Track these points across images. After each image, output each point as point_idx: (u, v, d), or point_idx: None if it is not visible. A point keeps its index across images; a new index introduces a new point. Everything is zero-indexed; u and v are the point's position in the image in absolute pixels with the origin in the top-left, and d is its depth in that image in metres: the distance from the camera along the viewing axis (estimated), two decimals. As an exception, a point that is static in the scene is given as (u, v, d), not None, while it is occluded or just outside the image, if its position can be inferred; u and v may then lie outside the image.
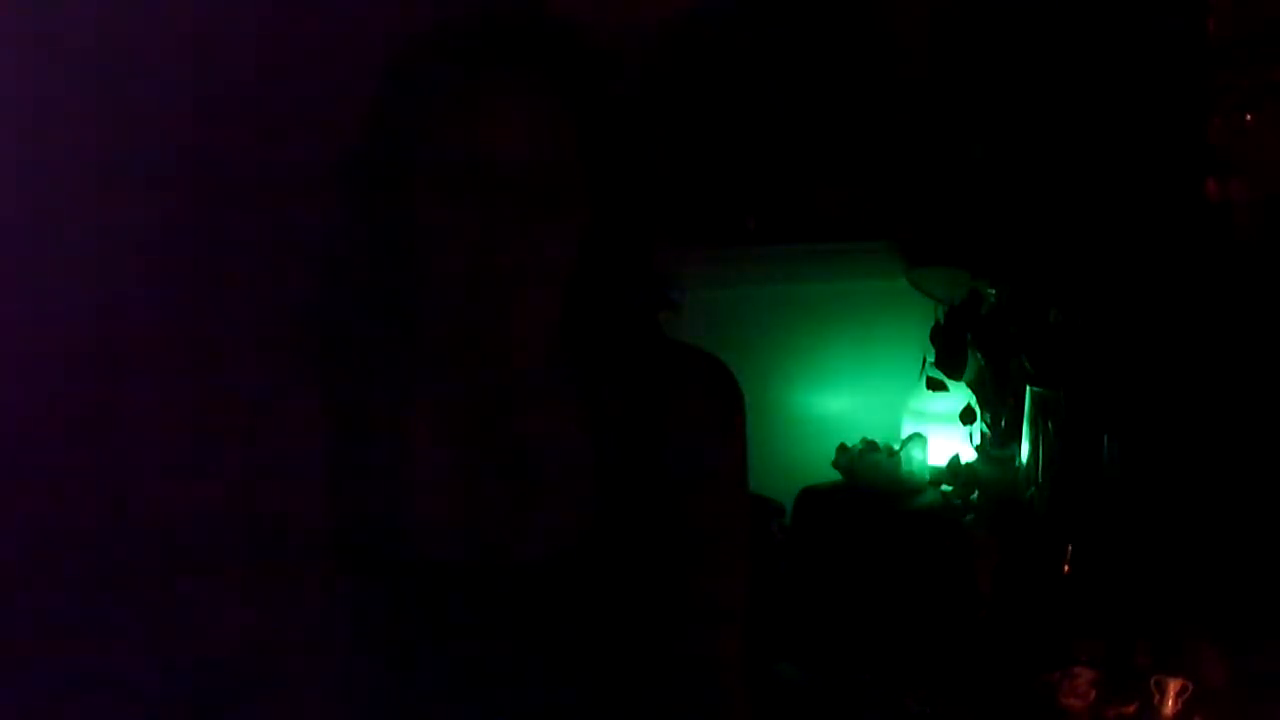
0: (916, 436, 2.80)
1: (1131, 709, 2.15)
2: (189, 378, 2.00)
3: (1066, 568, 2.42)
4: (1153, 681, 2.13)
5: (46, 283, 1.99)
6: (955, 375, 2.83)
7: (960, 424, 2.82)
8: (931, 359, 2.84)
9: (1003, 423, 2.78)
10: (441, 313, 1.42)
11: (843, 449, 2.80)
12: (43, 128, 1.98)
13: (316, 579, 1.46)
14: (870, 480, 2.76)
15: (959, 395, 2.84)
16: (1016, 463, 2.68)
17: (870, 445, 2.80)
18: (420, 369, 1.47)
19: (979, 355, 2.83)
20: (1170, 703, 2.12)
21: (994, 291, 2.82)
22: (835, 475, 2.80)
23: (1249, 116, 2.67)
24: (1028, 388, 2.64)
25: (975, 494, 2.75)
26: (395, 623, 1.45)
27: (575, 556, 1.46)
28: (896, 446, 2.79)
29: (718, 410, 1.52)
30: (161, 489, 2.01)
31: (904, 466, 2.76)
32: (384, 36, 1.46)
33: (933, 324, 2.85)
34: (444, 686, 1.46)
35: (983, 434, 2.81)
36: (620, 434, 1.49)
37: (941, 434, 2.83)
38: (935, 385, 2.83)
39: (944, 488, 2.78)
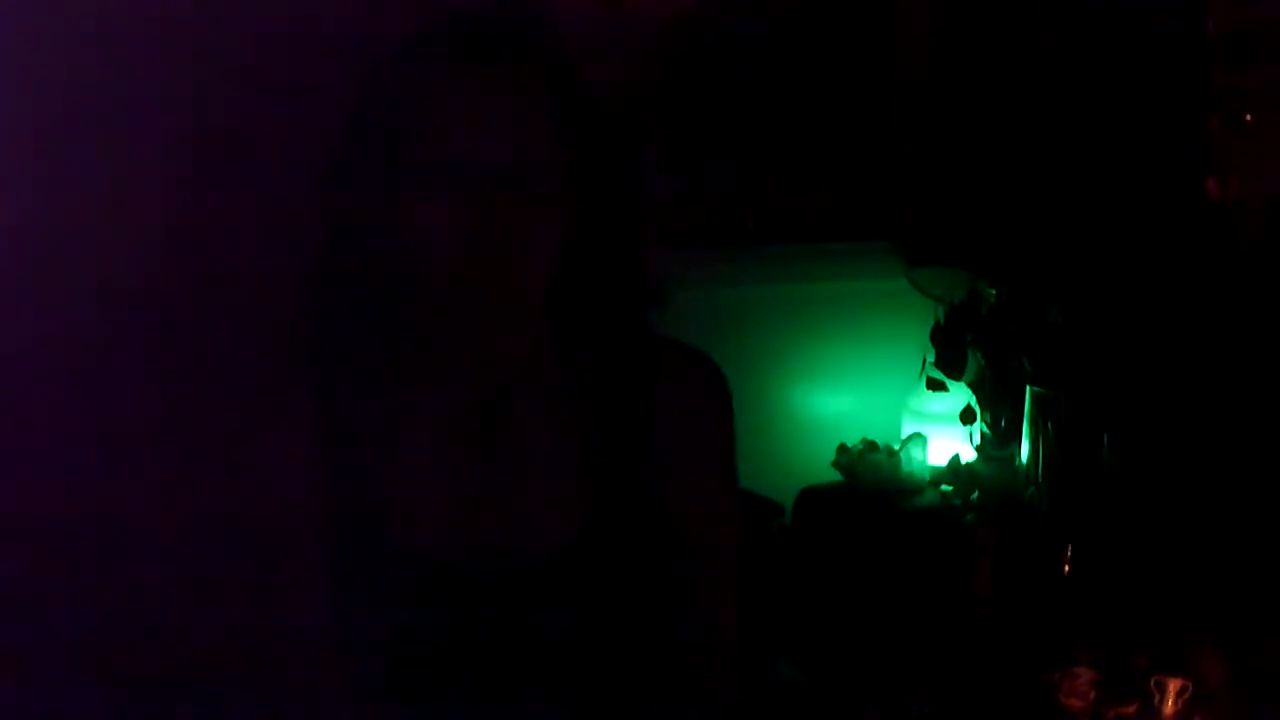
0: (916, 436, 2.80)
1: (1131, 709, 2.14)
2: (185, 379, 2.01)
3: (1066, 568, 2.42)
4: (1153, 681, 2.13)
5: (45, 283, 1.99)
6: (955, 375, 2.83)
7: (960, 424, 2.82)
8: (931, 359, 2.84)
9: (1003, 423, 2.78)
10: (432, 312, 1.42)
11: (843, 449, 2.80)
12: (43, 131, 1.98)
13: (313, 579, 1.46)
14: (870, 480, 2.76)
15: (959, 395, 2.84)
16: (1016, 463, 2.68)
17: (870, 445, 2.80)
18: (412, 368, 1.47)
19: (979, 355, 2.83)
20: (1170, 703, 2.11)
21: (994, 291, 2.82)
22: (835, 475, 2.80)
23: (1249, 116, 2.67)
24: (1028, 388, 2.63)
25: (975, 494, 2.75)
26: (391, 622, 1.45)
27: (569, 554, 1.46)
28: (896, 446, 2.79)
29: (705, 407, 1.53)
30: (159, 489, 2.01)
31: (904, 466, 2.76)
32: (372, 37, 1.46)
33: (933, 324, 2.85)
34: (441, 686, 1.46)
35: (983, 434, 2.81)
36: (611, 431, 1.49)
37: (941, 434, 2.83)
38: (935, 385, 2.83)
39: (944, 488, 2.78)
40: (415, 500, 1.46)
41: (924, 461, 2.79)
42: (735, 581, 1.55)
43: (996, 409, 2.79)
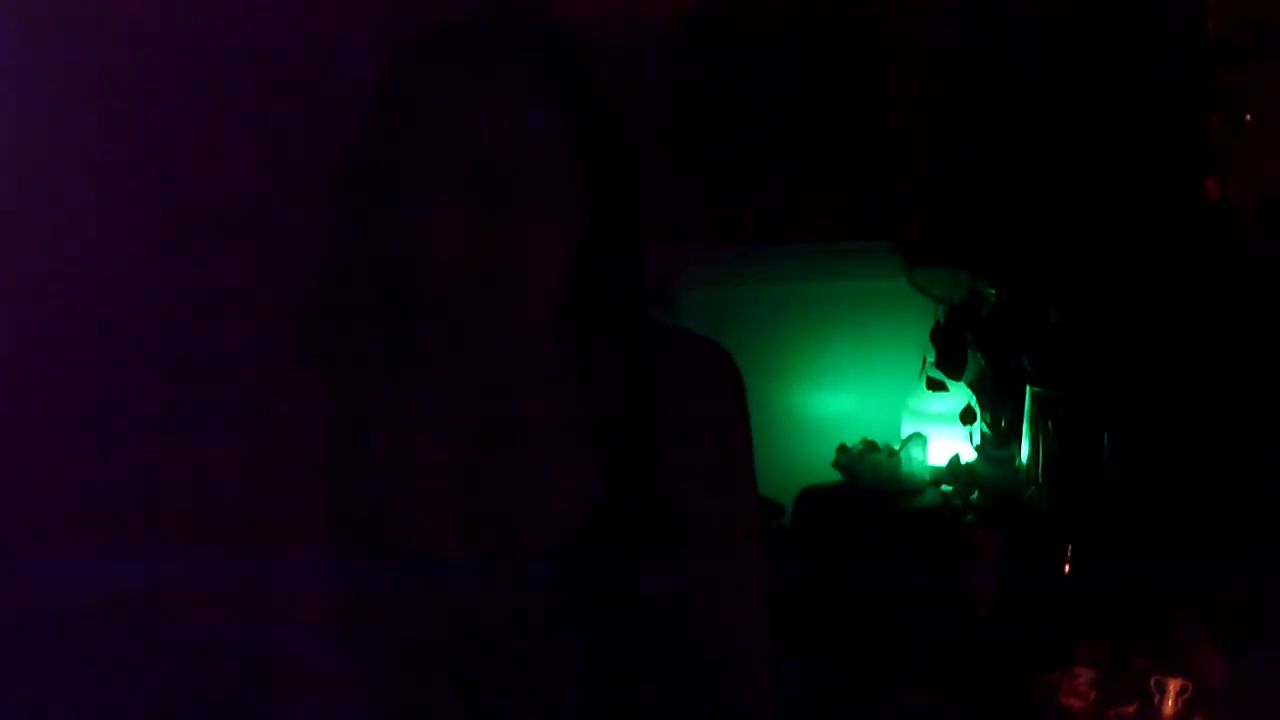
0: (916, 436, 2.80)
1: (1131, 709, 2.15)
2: (188, 377, 2.01)
3: (1066, 568, 2.42)
4: (1153, 681, 2.13)
5: (47, 282, 1.99)
6: (955, 375, 2.83)
7: (960, 424, 2.82)
8: (931, 359, 2.84)
9: (1003, 423, 2.78)
10: (440, 307, 1.42)
11: (843, 449, 2.80)
12: (43, 130, 1.98)
13: (317, 569, 1.46)
14: (870, 480, 2.75)
15: (959, 395, 2.84)
16: (1016, 463, 2.68)
17: (870, 445, 2.80)
18: (420, 362, 1.47)
19: (979, 355, 2.83)
20: (1170, 703, 2.12)
21: (994, 291, 2.82)
22: (835, 475, 2.80)
23: (1249, 116, 2.67)
24: (1028, 388, 2.63)
25: (975, 494, 2.75)
26: (397, 612, 1.45)
27: (578, 543, 1.46)
28: (896, 446, 2.79)
29: (716, 389, 1.52)
30: (162, 481, 2.01)
31: (904, 466, 2.76)
32: (383, 35, 1.46)
33: (933, 324, 2.85)
34: (444, 681, 1.46)
35: (983, 434, 2.81)
36: (621, 426, 1.49)
37: (941, 434, 2.83)
38: (935, 385, 2.83)
39: (944, 488, 2.78)
40: (421, 495, 1.47)
41: (924, 461, 2.79)
42: (758, 567, 1.54)
43: (996, 409, 2.79)
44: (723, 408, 1.52)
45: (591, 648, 1.47)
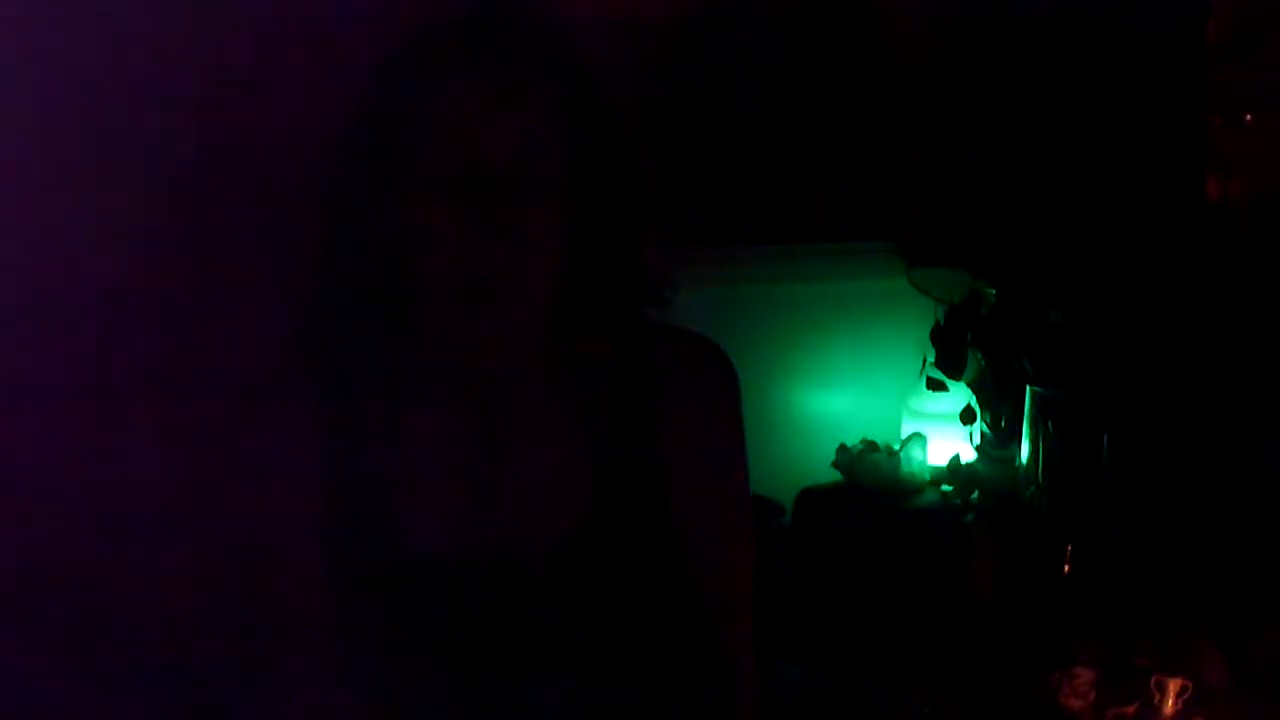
0: (916, 436, 2.80)
1: (1131, 709, 2.15)
2: (185, 382, 2.01)
3: (1066, 568, 2.42)
4: (1153, 681, 2.13)
5: (44, 283, 1.99)
6: (955, 375, 2.83)
7: (960, 424, 2.82)
8: (931, 359, 2.84)
9: (1003, 423, 2.78)
10: (435, 312, 1.42)
11: (843, 449, 2.80)
12: (42, 128, 1.98)
13: (314, 585, 1.46)
14: (870, 480, 2.76)
15: (959, 395, 2.84)
16: (1016, 463, 2.68)
17: (870, 445, 2.80)
18: (415, 369, 1.47)
19: (979, 355, 2.83)
20: (1170, 703, 2.12)
21: (994, 291, 2.83)
22: (835, 475, 2.80)
23: (1249, 116, 2.67)
24: (1028, 388, 2.64)
25: (975, 494, 2.75)
26: (395, 628, 1.45)
27: (575, 554, 1.46)
28: (896, 446, 2.79)
29: (712, 391, 1.53)
30: (157, 493, 2.01)
31: (904, 466, 2.76)
32: (378, 37, 1.46)
33: (933, 324, 2.85)
34: (446, 691, 1.46)
35: (983, 434, 2.81)
36: (616, 427, 1.49)
37: (941, 434, 2.83)
38: (935, 385, 2.83)
39: (944, 488, 2.78)
40: (418, 499, 1.46)
41: (924, 461, 2.79)
42: (749, 573, 1.55)
43: (996, 409, 2.79)
44: (718, 408, 1.53)
45: (589, 647, 1.47)
